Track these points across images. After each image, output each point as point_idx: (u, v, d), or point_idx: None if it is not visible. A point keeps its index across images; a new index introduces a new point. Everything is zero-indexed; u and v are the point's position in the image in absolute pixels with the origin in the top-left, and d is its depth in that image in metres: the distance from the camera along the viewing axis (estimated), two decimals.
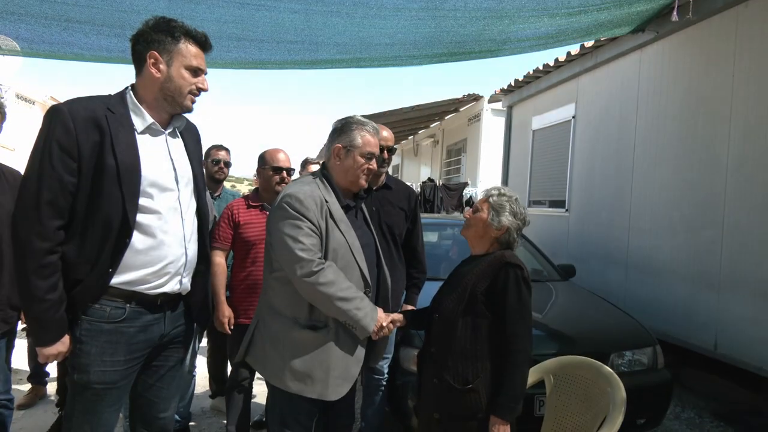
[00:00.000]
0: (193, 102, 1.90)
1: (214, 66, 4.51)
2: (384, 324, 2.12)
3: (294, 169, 3.17)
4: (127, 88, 1.88)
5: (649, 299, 5.00)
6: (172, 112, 1.90)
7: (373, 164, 2.20)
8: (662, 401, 3.30)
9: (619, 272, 5.53)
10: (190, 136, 2.04)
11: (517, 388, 1.99)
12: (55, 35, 3.87)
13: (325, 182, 2.17)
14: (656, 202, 5.03)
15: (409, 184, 4.00)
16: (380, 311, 2.13)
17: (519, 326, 2.01)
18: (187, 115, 1.98)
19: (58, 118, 1.69)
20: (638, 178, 5.32)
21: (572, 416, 2.47)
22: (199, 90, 1.89)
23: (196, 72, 1.86)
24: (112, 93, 1.88)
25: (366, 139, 2.17)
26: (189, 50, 1.83)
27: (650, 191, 5.12)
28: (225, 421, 3.42)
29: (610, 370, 2.44)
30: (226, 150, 3.87)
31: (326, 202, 2.09)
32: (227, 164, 3.83)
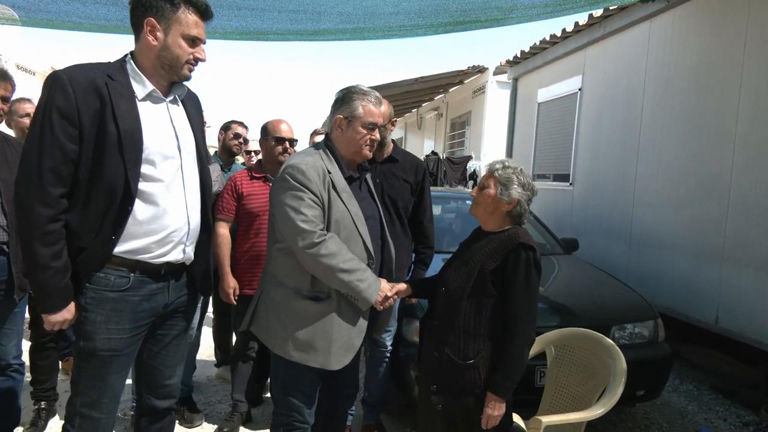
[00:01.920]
0: (190, 71, 1.86)
1: (214, 36, 4.43)
2: (389, 295, 2.12)
3: (297, 140, 3.14)
4: (126, 55, 1.85)
5: (652, 273, 5.01)
6: (171, 80, 1.87)
7: (376, 134, 2.16)
8: (662, 374, 3.34)
9: (623, 246, 5.53)
10: (192, 104, 2.02)
11: (516, 368, 2.00)
12: (52, 4, 3.80)
13: (329, 153, 2.15)
14: (662, 176, 4.99)
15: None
16: (384, 282, 2.13)
17: (523, 309, 2.01)
18: (187, 84, 1.96)
19: (57, 84, 1.67)
20: (644, 151, 5.27)
21: (573, 387, 2.50)
22: (197, 60, 1.85)
23: (194, 41, 1.82)
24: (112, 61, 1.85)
25: (368, 109, 2.13)
26: (188, 19, 1.78)
27: (656, 164, 5.08)
28: (224, 391, 3.49)
29: (611, 341, 2.46)
30: (246, 127, 4.02)
31: (329, 173, 2.07)
32: (246, 141, 3.98)
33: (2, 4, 3.81)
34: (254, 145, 4.78)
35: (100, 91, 1.70)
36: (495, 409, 1.98)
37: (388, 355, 3.10)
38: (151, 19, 1.76)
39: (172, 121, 1.88)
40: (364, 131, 2.13)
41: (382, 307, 2.12)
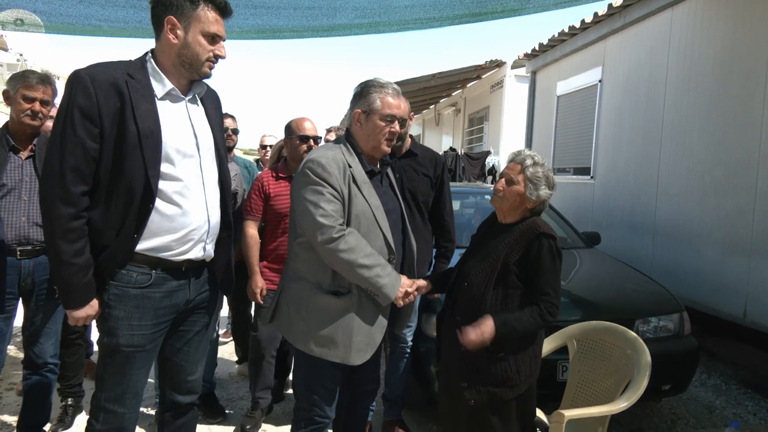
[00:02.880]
0: (210, 68, 1.87)
1: (231, 36, 4.47)
2: (409, 290, 2.11)
3: (321, 138, 3.14)
4: (147, 53, 1.87)
5: (677, 266, 4.91)
6: (191, 78, 1.88)
7: (396, 126, 2.14)
8: (688, 368, 3.26)
9: (646, 239, 5.43)
10: (211, 103, 2.03)
11: (517, 330, 1.99)
12: (71, 8, 3.86)
13: (349, 147, 2.14)
14: (686, 166, 4.88)
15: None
16: (404, 278, 2.12)
17: (552, 290, 2.02)
18: (208, 81, 1.97)
19: (78, 83, 1.69)
20: (667, 142, 5.16)
21: (596, 381, 2.46)
22: (217, 57, 1.86)
23: (214, 38, 1.83)
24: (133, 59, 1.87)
25: (385, 101, 2.11)
26: (207, 16, 1.80)
27: (680, 155, 4.97)
28: (245, 387, 3.51)
29: (634, 334, 2.42)
30: (232, 117, 3.90)
31: (350, 167, 2.07)
32: (235, 131, 3.86)
33: (25, 9, 3.89)
34: (270, 140, 4.81)
35: (121, 90, 1.72)
36: (480, 333, 1.96)
37: (408, 350, 3.09)
38: (172, 17, 1.78)
39: (191, 119, 1.90)
40: (383, 124, 2.11)
41: (402, 303, 2.11)
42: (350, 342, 2.05)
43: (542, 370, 2.20)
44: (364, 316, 2.07)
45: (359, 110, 2.14)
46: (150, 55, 1.86)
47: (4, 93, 2.65)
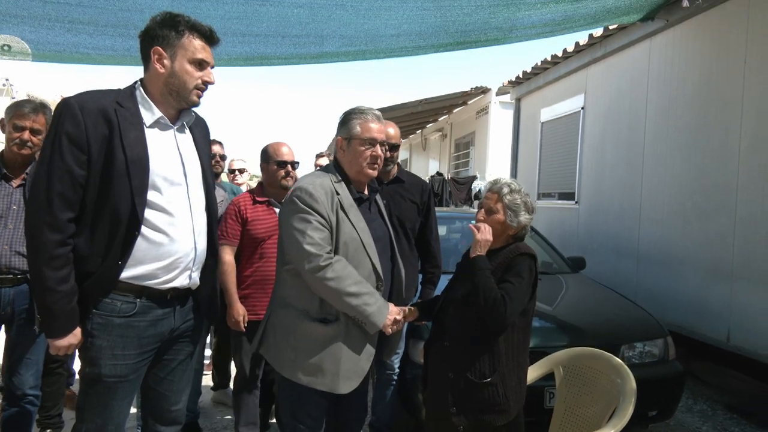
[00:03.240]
0: (199, 96, 1.89)
1: (219, 63, 4.51)
2: (397, 318, 2.11)
3: (298, 162, 3.14)
4: (136, 82, 1.89)
5: (661, 290, 4.96)
6: (179, 107, 1.90)
7: (377, 150, 2.15)
8: (674, 393, 3.28)
9: (630, 263, 5.48)
10: (199, 131, 2.04)
11: (482, 284, 2.02)
12: (59, 36, 3.88)
13: (337, 174, 2.17)
14: (668, 192, 4.97)
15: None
16: (392, 306, 2.12)
17: (512, 290, 2.02)
18: (197, 110, 1.99)
19: (67, 110, 1.70)
20: (649, 168, 5.26)
21: (582, 408, 2.46)
22: (206, 83, 1.88)
23: (201, 65, 1.85)
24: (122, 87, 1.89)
25: (365, 126, 2.14)
26: (193, 44, 1.82)
27: (661, 181, 5.06)
28: (230, 416, 3.43)
29: (620, 360, 2.42)
30: (220, 144, 3.94)
31: (337, 194, 2.09)
32: (222, 157, 3.94)
33: (13, 35, 3.89)
34: (238, 164, 4.79)
35: (110, 117, 1.73)
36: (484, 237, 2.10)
37: (395, 377, 3.06)
38: (158, 48, 1.80)
39: (179, 148, 1.90)
40: (362, 148, 2.13)
41: (390, 331, 2.10)
42: (338, 370, 2.03)
43: (529, 397, 2.20)
44: (352, 344, 2.06)
45: (341, 137, 2.18)
46: (139, 83, 1.87)
47: (0, 122, 2.66)
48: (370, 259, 2.09)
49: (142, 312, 1.82)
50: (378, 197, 2.35)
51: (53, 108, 2.05)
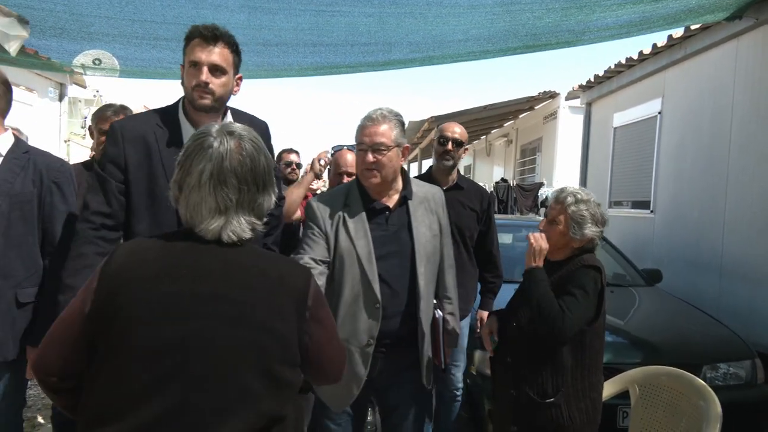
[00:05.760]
0: (202, 97, 1.84)
1: (291, 74, 4.65)
2: None
3: (301, 164, 3.24)
4: (180, 99, 1.98)
5: (747, 308, 4.60)
6: (206, 113, 1.89)
7: (369, 157, 1.97)
8: (762, 420, 3.03)
9: (712, 278, 5.14)
10: None
11: (538, 292, 1.93)
12: (146, 52, 4.15)
13: (356, 185, 2.09)
14: (756, 202, 4.62)
15: (481, 184, 3.92)
16: None
17: (572, 303, 1.91)
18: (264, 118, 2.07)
19: (111, 134, 1.93)
20: (734, 176, 4.92)
21: (659, 430, 2.33)
22: (205, 84, 1.81)
23: (195, 65, 1.83)
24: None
25: (359, 130, 2.03)
26: (190, 46, 1.85)
27: (749, 190, 4.71)
28: None
29: (702, 382, 2.28)
30: (296, 152, 4.11)
31: (346, 205, 2.03)
32: (299, 165, 4.06)
33: (105, 51, 4.19)
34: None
35: (147, 140, 1.88)
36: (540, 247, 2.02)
37: (459, 394, 3.00)
38: (181, 66, 1.92)
39: None
40: (359, 153, 2.02)
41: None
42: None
43: (601, 414, 2.10)
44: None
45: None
46: (181, 101, 1.96)
47: (90, 128, 2.87)
48: (367, 276, 1.95)
49: None
50: (411, 206, 2.10)
51: None
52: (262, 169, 1.22)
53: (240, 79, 1.98)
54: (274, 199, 1.27)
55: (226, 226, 1.17)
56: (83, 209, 1.92)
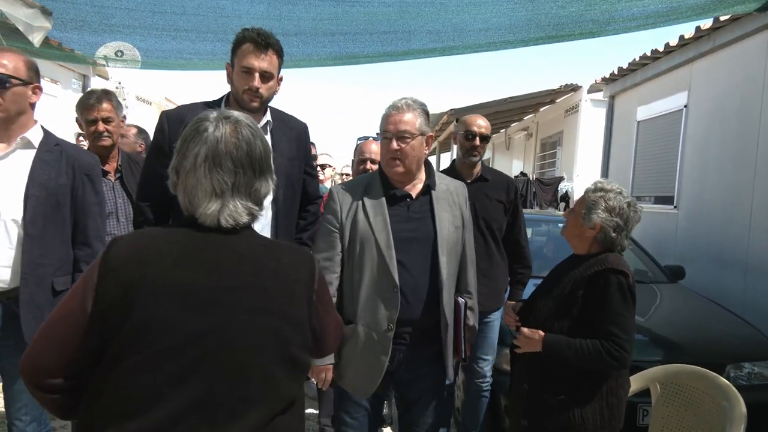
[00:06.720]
0: (252, 101, 2.00)
1: (310, 64, 4.64)
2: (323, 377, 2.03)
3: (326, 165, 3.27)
4: (227, 93, 2.10)
5: None
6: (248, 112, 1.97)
7: (393, 144, 1.98)
8: None
9: (737, 275, 5.01)
10: (284, 134, 2.14)
11: (570, 352, 1.86)
12: (166, 44, 4.19)
13: (379, 174, 2.11)
14: None
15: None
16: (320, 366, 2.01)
17: (618, 329, 1.84)
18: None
19: (158, 121, 2.05)
20: (762, 172, 4.78)
21: (681, 430, 2.28)
22: (256, 89, 1.98)
23: (249, 71, 1.96)
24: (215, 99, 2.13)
25: (384, 118, 2.04)
26: (242, 52, 1.97)
27: None
28: (312, 408, 3.52)
29: (726, 381, 2.22)
30: (327, 154, 4.15)
31: (367, 192, 2.04)
32: (323, 166, 4.11)
33: (126, 42, 4.23)
34: (323, 159, 5.00)
35: None
36: (529, 337, 1.94)
37: (487, 387, 2.98)
38: (227, 64, 2.03)
39: None
40: (384, 141, 2.04)
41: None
42: (352, 372, 2.02)
43: None
44: (364, 350, 1.98)
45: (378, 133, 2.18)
46: (226, 96, 2.09)
47: (77, 121, 2.73)
48: (385, 260, 1.96)
49: None
50: (435, 197, 2.10)
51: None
52: (258, 154, 1.21)
53: (281, 79, 2.11)
54: (272, 185, 1.26)
55: (223, 209, 1.16)
56: (137, 194, 2.15)
